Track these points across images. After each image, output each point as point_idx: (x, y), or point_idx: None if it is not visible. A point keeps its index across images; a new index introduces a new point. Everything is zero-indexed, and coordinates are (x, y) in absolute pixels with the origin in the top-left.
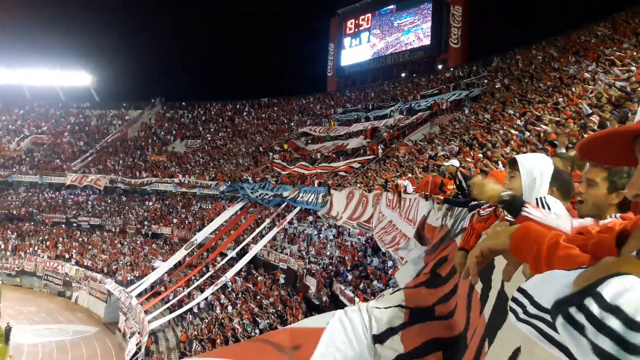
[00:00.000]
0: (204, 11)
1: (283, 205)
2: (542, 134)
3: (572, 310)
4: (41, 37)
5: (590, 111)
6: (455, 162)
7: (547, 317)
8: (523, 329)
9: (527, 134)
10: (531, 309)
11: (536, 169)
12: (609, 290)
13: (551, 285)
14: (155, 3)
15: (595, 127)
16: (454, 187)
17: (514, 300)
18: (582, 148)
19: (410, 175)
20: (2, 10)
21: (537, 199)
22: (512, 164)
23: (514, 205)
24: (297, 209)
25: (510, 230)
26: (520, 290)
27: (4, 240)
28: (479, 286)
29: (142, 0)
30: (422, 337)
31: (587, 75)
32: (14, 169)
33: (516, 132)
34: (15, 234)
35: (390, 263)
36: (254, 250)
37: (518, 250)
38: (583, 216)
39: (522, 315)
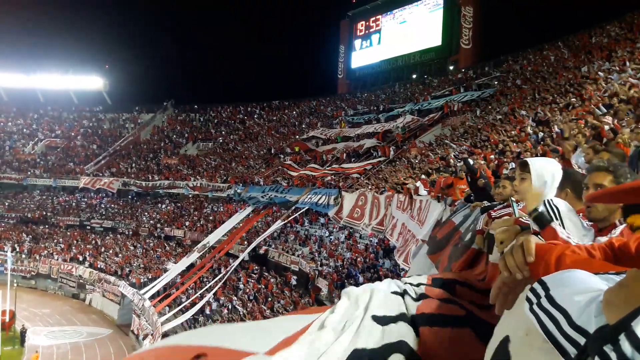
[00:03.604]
0: (216, 16)
1: (293, 207)
2: (555, 135)
3: (607, 349)
4: (54, 42)
5: (604, 111)
6: (469, 160)
7: (558, 315)
8: (531, 319)
9: (541, 134)
10: (545, 303)
11: (547, 172)
12: None
13: (570, 282)
14: (168, 7)
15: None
16: (467, 185)
17: (532, 290)
18: (595, 200)
19: (423, 177)
20: (15, 17)
21: (544, 201)
22: (523, 167)
23: (543, 220)
24: (305, 208)
25: None
26: (540, 282)
27: (18, 243)
28: None
29: (154, 5)
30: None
31: (600, 74)
32: (29, 173)
33: (529, 133)
34: (30, 236)
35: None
36: (258, 240)
37: (531, 269)
38: (593, 220)
39: (534, 307)
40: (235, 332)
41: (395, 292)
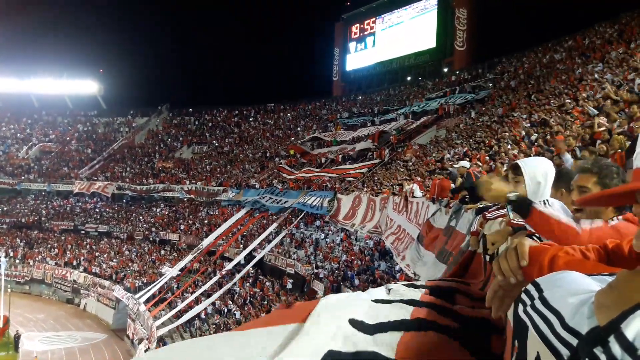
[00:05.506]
0: (210, 18)
1: (289, 210)
2: (548, 136)
3: (597, 351)
4: (48, 46)
5: (596, 112)
6: (465, 164)
7: (552, 316)
8: (525, 320)
9: (535, 136)
10: (538, 304)
11: (540, 172)
12: (632, 329)
13: (564, 284)
14: (161, 11)
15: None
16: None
17: (525, 291)
18: (585, 204)
19: (418, 178)
20: (9, 21)
21: (540, 202)
22: (515, 169)
23: (522, 205)
24: (303, 213)
25: None
26: (534, 284)
27: (12, 248)
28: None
29: (148, 9)
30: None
31: (595, 76)
32: (23, 177)
33: (523, 134)
34: (24, 241)
35: (397, 267)
36: (260, 254)
37: (524, 272)
38: None
39: (528, 309)
40: (218, 346)
41: (378, 300)
